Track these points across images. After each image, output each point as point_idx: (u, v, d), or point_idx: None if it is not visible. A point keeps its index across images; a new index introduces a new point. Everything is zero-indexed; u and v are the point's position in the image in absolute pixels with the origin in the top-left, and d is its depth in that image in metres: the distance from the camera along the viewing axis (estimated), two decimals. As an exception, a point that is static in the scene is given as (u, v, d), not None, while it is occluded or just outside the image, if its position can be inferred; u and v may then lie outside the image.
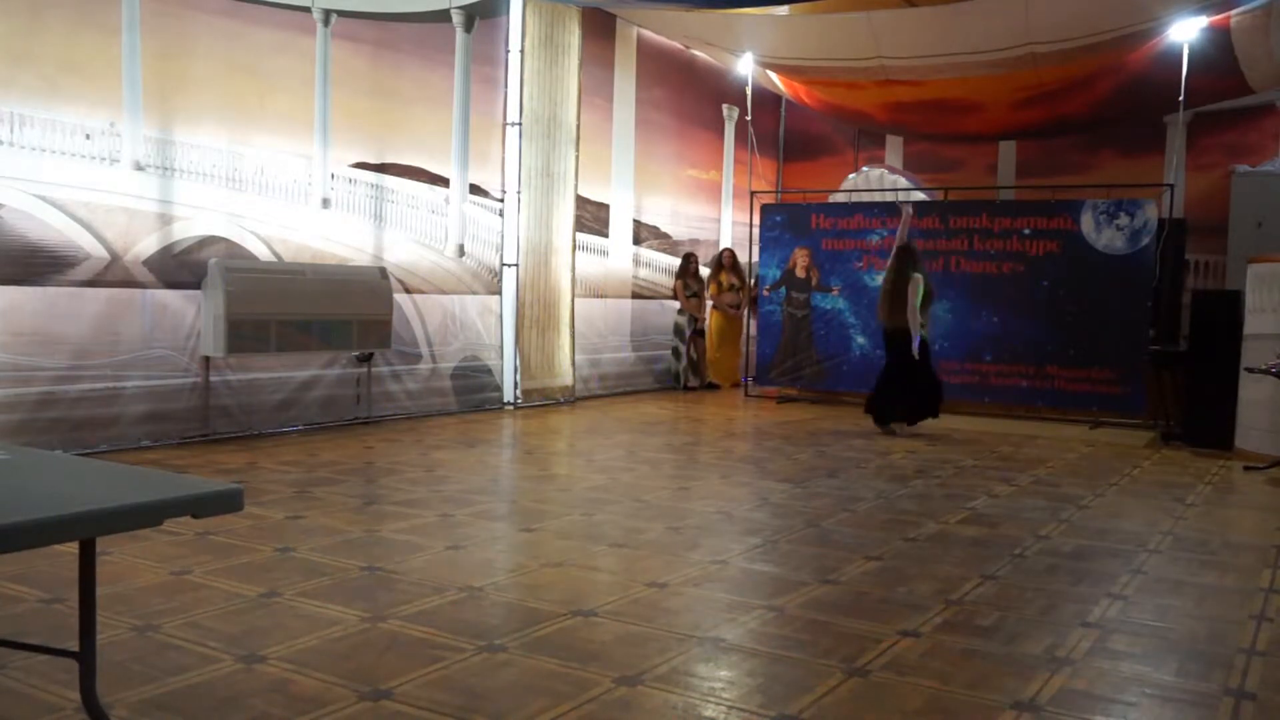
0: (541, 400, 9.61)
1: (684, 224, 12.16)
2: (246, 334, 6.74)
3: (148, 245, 6.50)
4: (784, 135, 13.84)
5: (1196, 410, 8.15)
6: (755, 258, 11.21)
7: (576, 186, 9.90)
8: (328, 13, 7.50)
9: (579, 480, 6.13)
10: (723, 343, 11.92)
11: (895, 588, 3.91)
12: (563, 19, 9.57)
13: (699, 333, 11.70)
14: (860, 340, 10.38)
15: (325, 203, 7.63)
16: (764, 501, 5.55)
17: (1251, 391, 7.47)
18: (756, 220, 11.24)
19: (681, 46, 11.87)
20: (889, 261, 8.47)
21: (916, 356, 8.25)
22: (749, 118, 11.66)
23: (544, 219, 9.58)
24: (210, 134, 6.80)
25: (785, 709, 2.73)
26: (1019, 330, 9.63)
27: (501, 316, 9.32)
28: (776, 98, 13.23)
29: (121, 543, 4.09)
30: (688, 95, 12.07)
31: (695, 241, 12.19)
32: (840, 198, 11.38)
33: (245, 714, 2.60)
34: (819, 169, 13.53)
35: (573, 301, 9.94)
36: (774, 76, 11.98)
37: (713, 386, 11.79)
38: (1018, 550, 4.56)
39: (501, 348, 9.33)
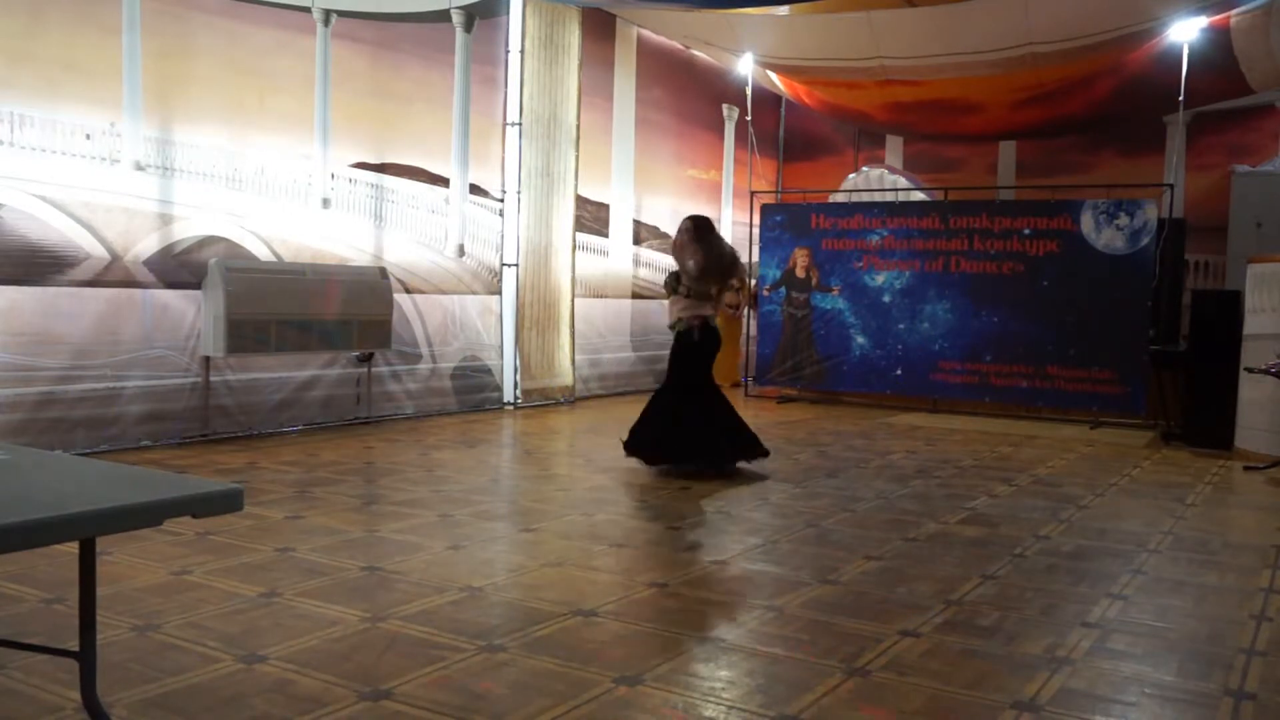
0: (541, 400, 9.61)
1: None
2: (246, 334, 6.74)
3: (148, 245, 6.50)
4: (784, 135, 13.83)
5: (1196, 410, 8.15)
6: (755, 258, 11.20)
7: (576, 186, 9.90)
8: (328, 13, 7.50)
9: (579, 480, 6.13)
10: (722, 343, 11.90)
11: (895, 588, 3.91)
12: (563, 19, 9.57)
13: (699, 333, 11.68)
14: (860, 340, 10.38)
15: (325, 203, 7.63)
16: (764, 501, 5.55)
17: (1251, 391, 7.47)
18: (756, 220, 11.24)
19: (681, 46, 11.86)
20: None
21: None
22: (749, 118, 11.66)
23: (544, 219, 9.58)
24: (210, 134, 6.80)
25: (785, 709, 2.73)
26: (1019, 330, 9.63)
27: (501, 316, 9.32)
28: (776, 98, 13.22)
29: (121, 543, 4.09)
30: (688, 95, 12.06)
31: (695, 241, 12.18)
32: (840, 198, 11.39)
33: (245, 714, 2.60)
34: (819, 169, 13.53)
35: (573, 301, 9.94)
36: (774, 76, 11.98)
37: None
38: (1018, 550, 4.56)
39: (501, 348, 9.33)
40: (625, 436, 6.48)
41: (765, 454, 6.41)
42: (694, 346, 6.39)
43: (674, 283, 6.53)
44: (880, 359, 10.30)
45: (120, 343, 6.35)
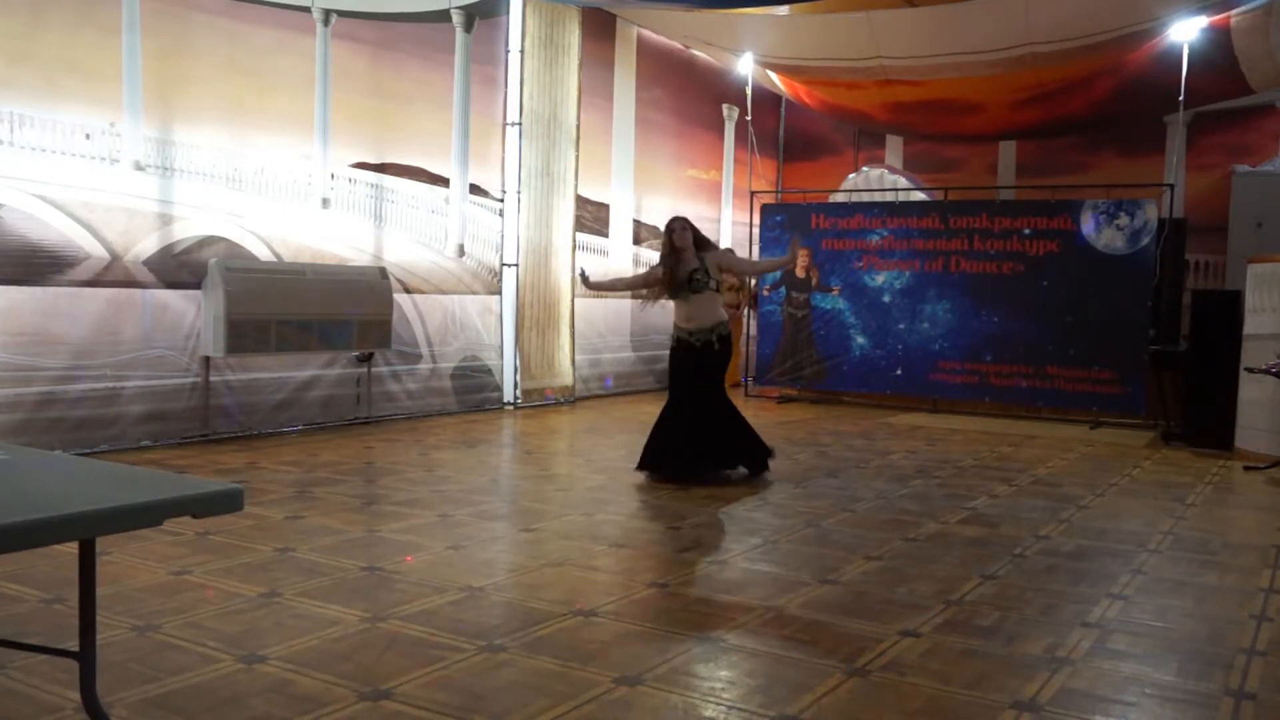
0: (541, 400, 9.61)
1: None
2: (246, 334, 6.74)
3: (148, 245, 6.50)
4: (784, 135, 13.83)
5: (1196, 410, 8.15)
6: (756, 258, 11.20)
7: (576, 186, 9.90)
8: (328, 13, 7.50)
9: (579, 480, 6.13)
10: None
11: (895, 588, 3.91)
12: (563, 19, 9.57)
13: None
14: (860, 340, 10.38)
15: (325, 203, 7.63)
16: (764, 502, 5.55)
17: (1251, 391, 7.47)
18: (756, 220, 11.24)
19: (681, 46, 11.86)
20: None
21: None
22: (749, 118, 11.66)
23: (544, 219, 9.58)
24: (210, 134, 6.80)
25: (785, 709, 2.73)
26: (1019, 330, 9.63)
27: (501, 316, 9.31)
28: (776, 98, 13.22)
29: (121, 543, 4.09)
30: (688, 95, 12.06)
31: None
32: (840, 198, 11.39)
33: (245, 714, 2.60)
34: (819, 169, 13.53)
35: (573, 301, 9.93)
36: (774, 76, 11.98)
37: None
38: (1018, 550, 4.56)
39: (501, 348, 9.33)
40: (650, 458, 6.13)
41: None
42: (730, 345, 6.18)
43: (705, 278, 6.02)
44: (880, 359, 10.30)
45: (120, 343, 6.35)
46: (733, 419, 6.19)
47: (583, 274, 6.54)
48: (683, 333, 6.10)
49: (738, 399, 10.87)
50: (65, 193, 6.04)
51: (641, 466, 6.14)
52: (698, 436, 6.01)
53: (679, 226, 6.17)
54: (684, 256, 6.12)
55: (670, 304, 6.27)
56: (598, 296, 10.51)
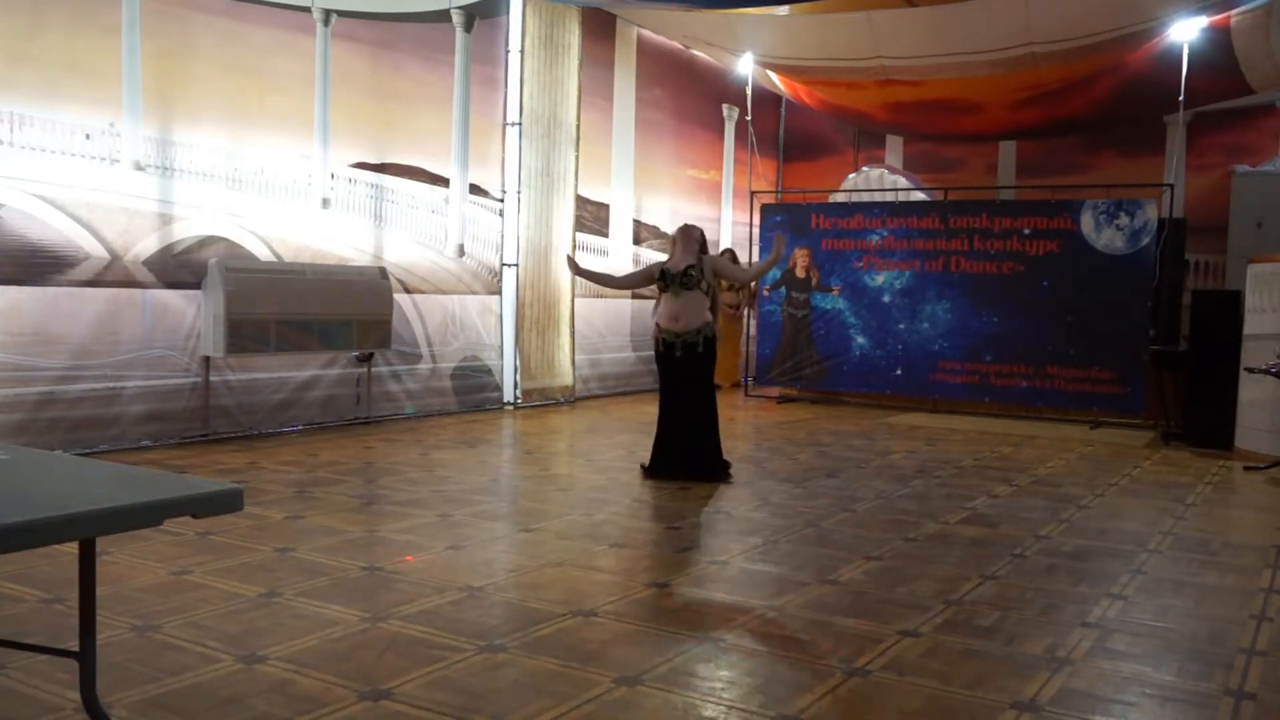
0: (541, 400, 9.61)
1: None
2: (246, 334, 6.74)
3: (148, 245, 6.50)
4: (784, 135, 13.83)
5: (1196, 410, 8.15)
6: (755, 258, 11.21)
7: (576, 186, 9.90)
8: (328, 13, 7.50)
9: (579, 480, 6.13)
10: (722, 343, 11.90)
11: (895, 588, 3.91)
12: (563, 19, 9.57)
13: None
14: (860, 340, 10.38)
15: (325, 203, 7.63)
16: (764, 501, 5.55)
17: (1251, 391, 7.47)
18: (756, 220, 11.24)
19: (681, 46, 11.86)
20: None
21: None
22: (749, 118, 11.66)
23: (544, 219, 9.58)
24: (210, 134, 6.80)
25: (785, 709, 2.73)
26: (1019, 330, 9.63)
27: (501, 316, 9.31)
28: (776, 98, 13.22)
29: (121, 543, 4.09)
30: (688, 95, 12.06)
31: (695, 241, 12.16)
32: (840, 198, 11.39)
33: (245, 714, 2.60)
34: (819, 169, 13.53)
35: (573, 301, 9.94)
36: (774, 76, 11.98)
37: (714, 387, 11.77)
38: (1018, 550, 4.56)
39: (501, 348, 9.33)
40: (650, 460, 6.21)
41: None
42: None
43: (699, 275, 5.99)
44: (880, 359, 10.30)
45: (120, 343, 6.35)
46: (708, 426, 6.13)
47: (570, 260, 6.80)
48: (668, 334, 6.03)
49: (737, 399, 10.90)
50: (65, 193, 6.04)
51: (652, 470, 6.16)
52: (681, 438, 6.06)
53: (689, 229, 6.28)
54: (683, 252, 6.12)
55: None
56: (598, 296, 10.52)
